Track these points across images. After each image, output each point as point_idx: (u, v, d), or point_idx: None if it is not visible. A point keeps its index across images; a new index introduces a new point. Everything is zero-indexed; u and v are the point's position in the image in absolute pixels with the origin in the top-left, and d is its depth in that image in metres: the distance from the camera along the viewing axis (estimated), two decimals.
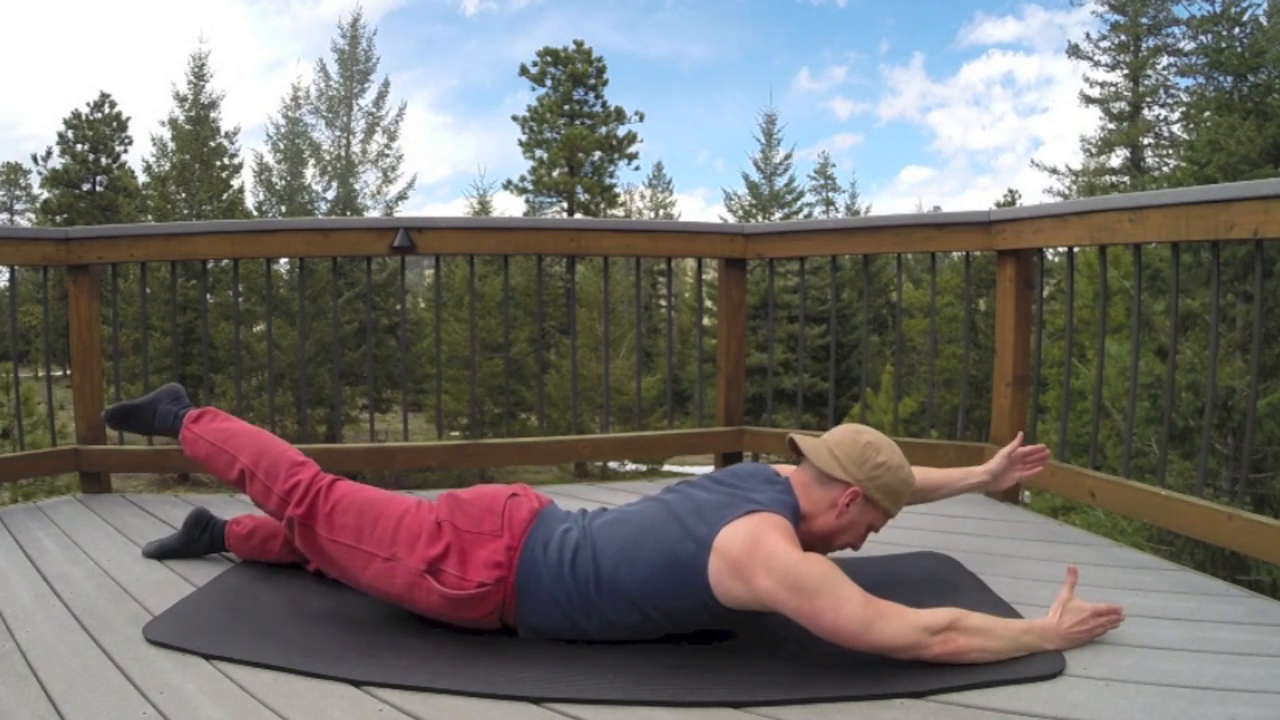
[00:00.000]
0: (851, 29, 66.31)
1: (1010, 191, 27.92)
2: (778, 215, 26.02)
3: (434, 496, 1.86)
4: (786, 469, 1.76)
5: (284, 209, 21.89)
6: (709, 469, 3.62)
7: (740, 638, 1.64)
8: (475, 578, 1.57)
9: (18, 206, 31.16)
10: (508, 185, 24.05)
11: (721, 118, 72.74)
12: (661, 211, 31.72)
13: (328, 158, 23.30)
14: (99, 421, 2.97)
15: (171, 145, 21.53)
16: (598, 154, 24.31)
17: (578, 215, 22.82)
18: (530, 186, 24.02)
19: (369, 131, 23.95)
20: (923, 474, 1.92)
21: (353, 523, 1.65)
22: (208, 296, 17.55)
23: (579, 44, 24.21)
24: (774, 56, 70.59)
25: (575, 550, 1.58)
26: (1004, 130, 61.37)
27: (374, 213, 22.89)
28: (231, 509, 2.69)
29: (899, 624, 1.45)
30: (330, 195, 22.98)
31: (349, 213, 21.69)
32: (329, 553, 1.67)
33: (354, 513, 1.66)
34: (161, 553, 2.12)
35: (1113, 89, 20.96)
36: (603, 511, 1.73)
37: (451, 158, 68.53)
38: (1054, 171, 21.87)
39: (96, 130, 24.39)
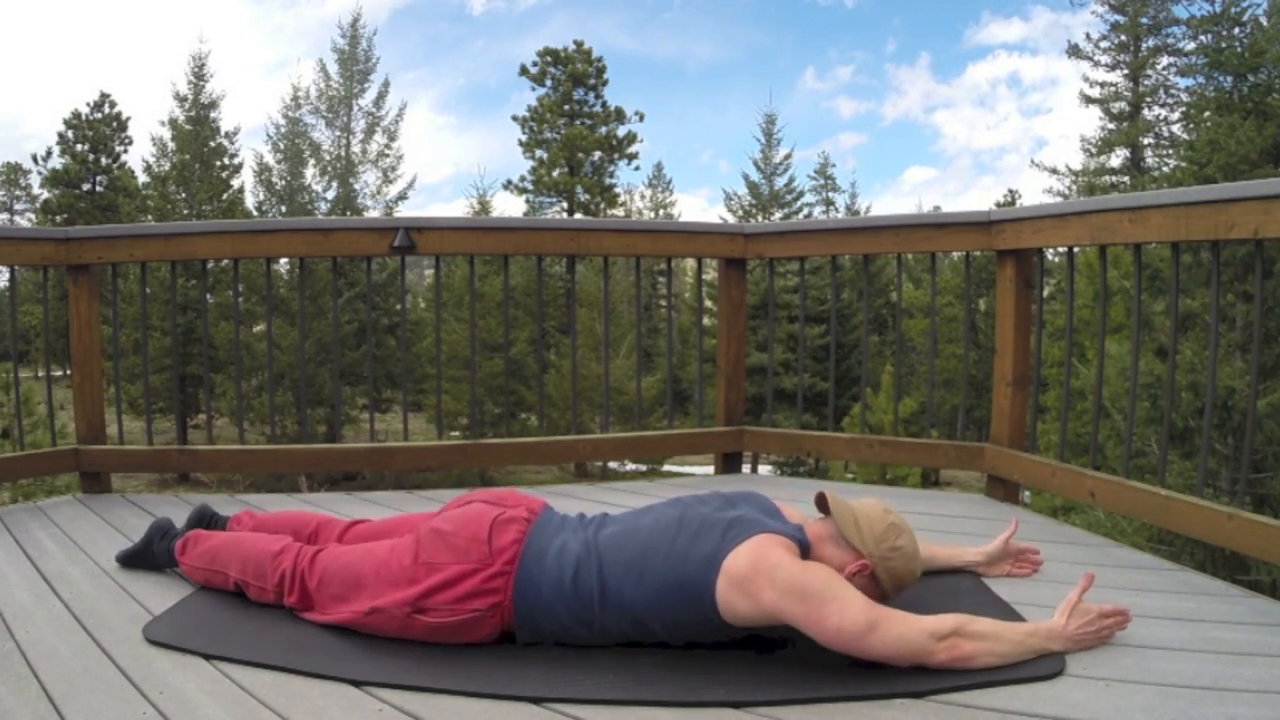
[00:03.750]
0: (858, 29, 66.58)
1: (1010, 191, 27.96)
2: (777, 215, 26.02)
3: (433, 501, 1.86)
4: (789, 509, 1.75)
5: (284, 209, 21.91)
6: (709, 469, 3.63)
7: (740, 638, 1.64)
8: (469, 605, 1.56)
9: (18, 206, 31.20)
10: (508, 185, 24.11)
11: (726, 118, 73.07)
12: (661, 211, 31.73)
13: (328, 158, 23.31)
14: (99, 421, 2.98)
15: (171, 145, 21.55)
16: (598, 154, 24.33)
17: (578, 215, 22.82)
18: (530, 186, 24.04)
19: (369, 131, 23.96)
20: (922, 547, 1.90)
21: (338, 592, 1.67)
22: (208, 296, 17.54)
23: (579, 44, 24.24)
24: (780, 57, 70.82)
25: (577, 564, 1.57)
26: (1008, 130, 61.55)
27: (374, 213, 22.90)
28: (232, 510, 2.70)
29: (903, 629, 1.45)
30: (330, 195, 23.00)
31: (349, 213, 21.70)
32: (332, 625, 1.68)
33: (337, 583, 1.67)
34: (135, 559, 2.07)
35: (1113, 89, 20.98)
36: (604, 519, 1.72)
37: (455, 157, 68.77)
38: (1054, 171, 21.89)
39: (96, 130, 24.40)
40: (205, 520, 2.12)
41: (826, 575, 1.49)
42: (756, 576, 1.47)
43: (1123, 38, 20.64)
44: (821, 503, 1.71)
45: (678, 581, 1.52)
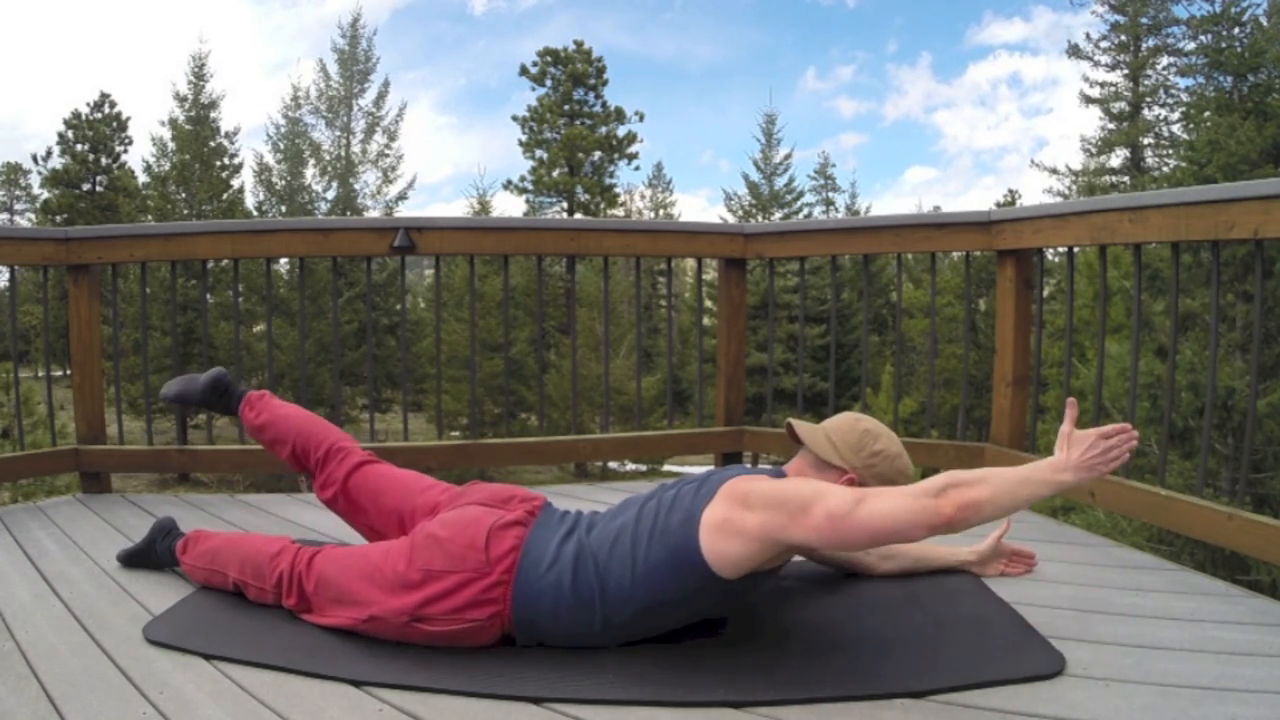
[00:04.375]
0: (859, 29, 66.47)
1: (1010, 191, 27.94)
2: (777, 215, 26.01)
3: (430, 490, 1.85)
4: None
5: (284, 209, 21.89)
6: (709, 469, 3.63)
7: (740, 637, 1.64)
8: (467, 615, 1.55)
9: (18, 206, 31.17)
10: (508, 185, 24.07)
11: (727, 118, 72.96)
12: (661, 211, 31.71)
13: (328, 158, 23.30)
14: (99, 421, 2.98)
15: (171, 145, 21.53)
16: (597, 154, 24.31)
17: (578, 215, 22.81)
18: (530, 186, 24.02)
19: (369, 131, 23.95)
20: (916, 547, 1.96)
21: (334, 596, 1.66)
22: (208, 296, 17.54)
23: (579, 44, 24.21)
24: (781, 57, 70.73)
25: (575, 568, 1.56)
26: (1009, 131, 61.46)
27: (374, 213, 22.89)
28: (232, 510, 2.70)
29: (894, 495, 1.40)
30: (330, 195, 22.98)
31: (349, 213, 21.68)
32: (331, 628, 1.67)
33: (333, 586, 1.66)
34: (136, 558, 2.08)
35: (1113, 89, 20.96)
36: (594, 516, 1.70)
37: (455, 157, 68.74)
38: (1054, 171, 21.87)
39: (96, 130, 24.38)
40: (222, 388, 2.17)
41: (800, 481, 1.50)
42: (733, 514, 1.47)
43: (1123, 38, 20.63)
44: (792, 433, 1.71)
45: (666, 558, 1.51)
